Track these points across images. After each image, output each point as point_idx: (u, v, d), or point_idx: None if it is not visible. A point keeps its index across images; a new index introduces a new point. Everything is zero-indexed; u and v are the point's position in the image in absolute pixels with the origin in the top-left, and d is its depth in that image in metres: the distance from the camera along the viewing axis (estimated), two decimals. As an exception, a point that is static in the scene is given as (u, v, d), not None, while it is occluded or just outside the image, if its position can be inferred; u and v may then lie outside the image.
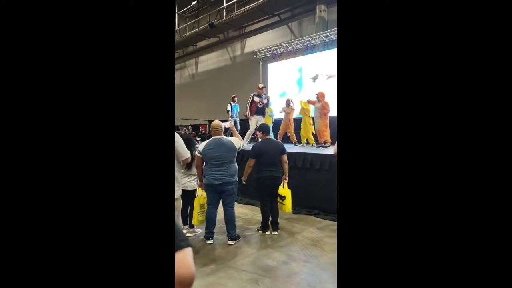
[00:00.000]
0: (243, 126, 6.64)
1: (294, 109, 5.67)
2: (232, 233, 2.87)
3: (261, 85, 5.57)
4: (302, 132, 5.51)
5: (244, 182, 3.19)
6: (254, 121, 5.36)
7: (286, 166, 3.19)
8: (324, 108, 5.01)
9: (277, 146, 3.16)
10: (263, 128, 3.30)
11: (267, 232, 3.19)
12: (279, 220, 3.30)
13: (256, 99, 5.33)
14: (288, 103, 5.70)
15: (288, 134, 5.76)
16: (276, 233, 3.19)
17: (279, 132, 5.75)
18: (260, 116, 5.42)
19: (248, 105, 5.47)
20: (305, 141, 5.53)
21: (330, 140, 5.03)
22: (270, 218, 3.23)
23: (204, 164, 2.76)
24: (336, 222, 3.44)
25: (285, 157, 3.17)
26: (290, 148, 4.70)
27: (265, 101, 5.45)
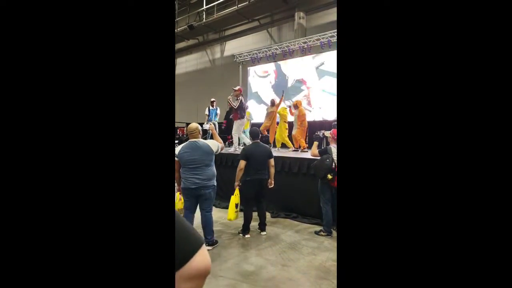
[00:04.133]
0: (225, 130, 6.60)
1: (279, 107, 5.61)
2: (209, 239, 2.80)
3: (236, 87, 5.39)
4: (277, 136, 5.56)
5: (236, 188, 3.17)
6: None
7: (273, 170, 3.25)
8: (301, 116, 5.10)
9: (265, 150, 3.23)
10: (252, 133, 3.35)
11: (247, 236, 3.18)
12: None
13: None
14: (272, 102, 5.67)
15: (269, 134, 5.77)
16: (264, 233, 3.25)
17: (260, 129, 5.69)
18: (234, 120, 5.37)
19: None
20: (280, 145, 5.59)
21: (306, 146, 5.13)
22: (258, 220, 3.27)
23: (180, 168, 2.69)
24: (313, 225, 3.51)
25: (272, 161, 3.23)
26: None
27: (234, 103, 5.15)
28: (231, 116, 5.51)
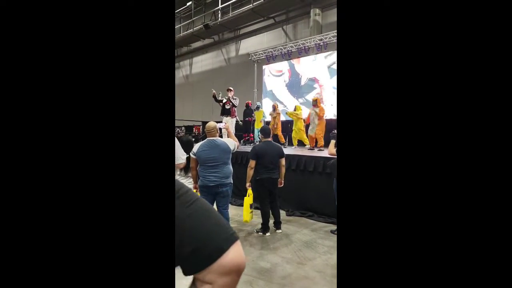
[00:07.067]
0: (238, 128, 6.68)
1: (279, 113, 5.95)
2: (226, 235, 2.84)
3: (231, 88, 6.03)
4: (293, 134, 5.58)
5: (248, 188, 3.14)
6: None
7: (283, 170, 3.22)
8: (321, 116, 5.10)
9: (277, 149, 3.18)
10: (263, 131, 3.32)
11: (267, 234, 3.20)
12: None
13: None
14: (274, 108, 5.92)
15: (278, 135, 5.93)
16: (280, 231, 3.26)
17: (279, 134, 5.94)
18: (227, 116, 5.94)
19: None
20: (297, 143, 5.60)
21: (323, 144, 5.11)
22: (272, 219, 3.27)
23: (198, 165, 2.74)
24: (329, 224, 3.49)
25: (283, 160, 3.20)
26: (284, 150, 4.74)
27: (234, 101, 5.90)
28: (225, 113, 6.09)
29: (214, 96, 6.10)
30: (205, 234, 0.46)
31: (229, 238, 0.47)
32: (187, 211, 0.47)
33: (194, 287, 0.49)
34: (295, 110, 5.57)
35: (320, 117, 5.09)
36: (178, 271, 0.48)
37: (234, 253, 0.46)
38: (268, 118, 6.45)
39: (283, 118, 6.29)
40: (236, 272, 0.46)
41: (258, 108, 6.56)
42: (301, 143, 5.61)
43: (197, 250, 0.45)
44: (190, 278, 0.53)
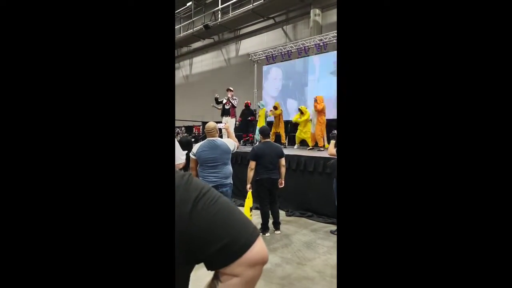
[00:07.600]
0: (237, 128, 6.68)
1: (282, 111, 5.95)
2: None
3: (231, 88, 6.13)
4: (297, 134, 5.56)
5: (248, 190, 3.11)
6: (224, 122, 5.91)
7: (283, 170, 3.21)
8: (321, 112, 5.08)
9: (276, 149, 3.18)
10: (262, 131, 3.32)
11: (267, 234, 3.20)
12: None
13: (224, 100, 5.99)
14: (275, 107, 5.92)
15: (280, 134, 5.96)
16: (278, 232, 3.26)
17: (270, 132, 5.95)
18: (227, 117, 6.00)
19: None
20: (299, 143, 5.59)
21: (323, 144, 5.10)
22: (271, 219, 3.27)
23: (198, 166, 2.74)
24: (329, 224, 3.49)
25: (283, 160, 3.19)
26: (284, 150, 4.73)
27: (234, 102, 5.97)
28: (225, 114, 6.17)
29: (216, 100, 6.12)
30: (233, 229, 0.49)
31: (254, 233, 0.50)
32: (213, 209, 0.49)
33: (217, 280, 0.51)
34: (301, 113, 5.41)
35: (319, 113, 5.06)
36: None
37: (259, 247, 0.49)
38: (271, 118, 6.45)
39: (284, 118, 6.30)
40: (262, 264, 0.50)
41: (260, 107, 6.61)
42: (303, 143, 5.60)
43: (227, 246, 0.47)
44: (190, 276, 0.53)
